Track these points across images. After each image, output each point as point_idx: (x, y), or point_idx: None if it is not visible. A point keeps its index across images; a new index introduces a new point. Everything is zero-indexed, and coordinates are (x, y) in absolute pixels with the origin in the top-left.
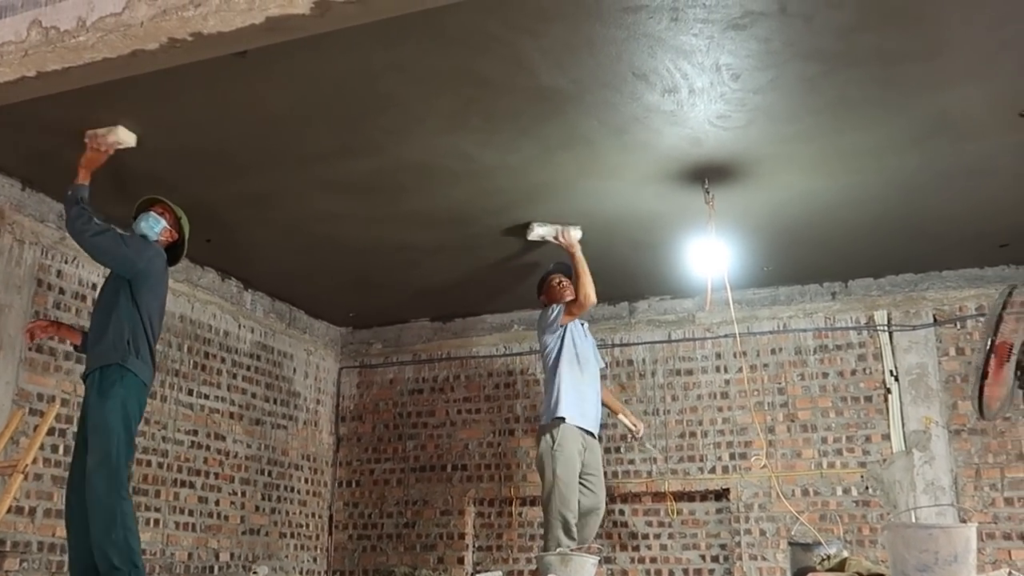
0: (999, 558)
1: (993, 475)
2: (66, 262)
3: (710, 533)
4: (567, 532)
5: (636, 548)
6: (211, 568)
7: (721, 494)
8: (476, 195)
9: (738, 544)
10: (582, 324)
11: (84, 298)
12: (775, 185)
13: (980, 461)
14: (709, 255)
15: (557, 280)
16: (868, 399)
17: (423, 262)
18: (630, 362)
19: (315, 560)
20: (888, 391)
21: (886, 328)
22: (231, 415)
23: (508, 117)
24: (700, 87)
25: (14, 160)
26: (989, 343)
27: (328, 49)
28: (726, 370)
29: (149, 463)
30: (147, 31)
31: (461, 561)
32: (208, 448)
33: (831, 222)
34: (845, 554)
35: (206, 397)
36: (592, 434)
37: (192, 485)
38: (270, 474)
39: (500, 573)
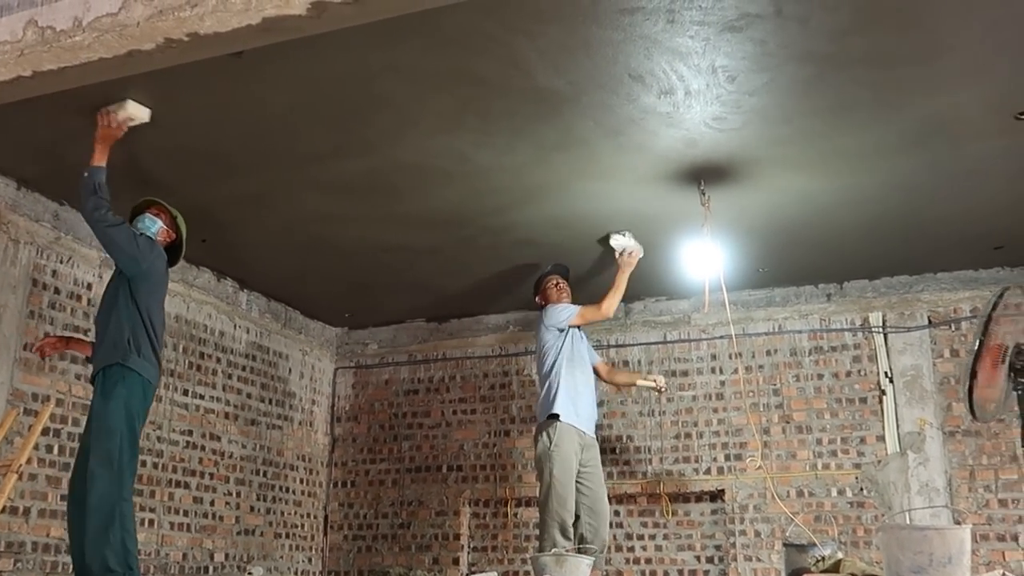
0: (993, 559)
1: (987, 477)
2: (61, 262)
3: (705, 534)
4: (563, 532)
5: (631, 549)
6: (206, 568)
7: (716, 495)
8: (472, 196)
9: (733, 545)
10: (578, 326)
11: (79, 298)
12: (770, 187)
13: (974, 463)
14: (705, 256)
15: (555, 282)
16: (863, 400)
17: (419, 263)
18: (626, 363)
19: (310, 561)
20: (883, 393)
21: (881, 330)
22: (226, 415)
23: (504, 118)
24: (696, 89)
25: (9, 159)
26: (978, 344)
27: (324, 50)
28: (721, 371)
29: (144, 463)
30: (143, 31)
31: (456, 562)
32: (203, 448)
33: (826, 224)
34: (840, 555)
35: (201, 397)
36: (588, 433)
37: (187, 485)
38: (265, 474)
39: (495, 574)
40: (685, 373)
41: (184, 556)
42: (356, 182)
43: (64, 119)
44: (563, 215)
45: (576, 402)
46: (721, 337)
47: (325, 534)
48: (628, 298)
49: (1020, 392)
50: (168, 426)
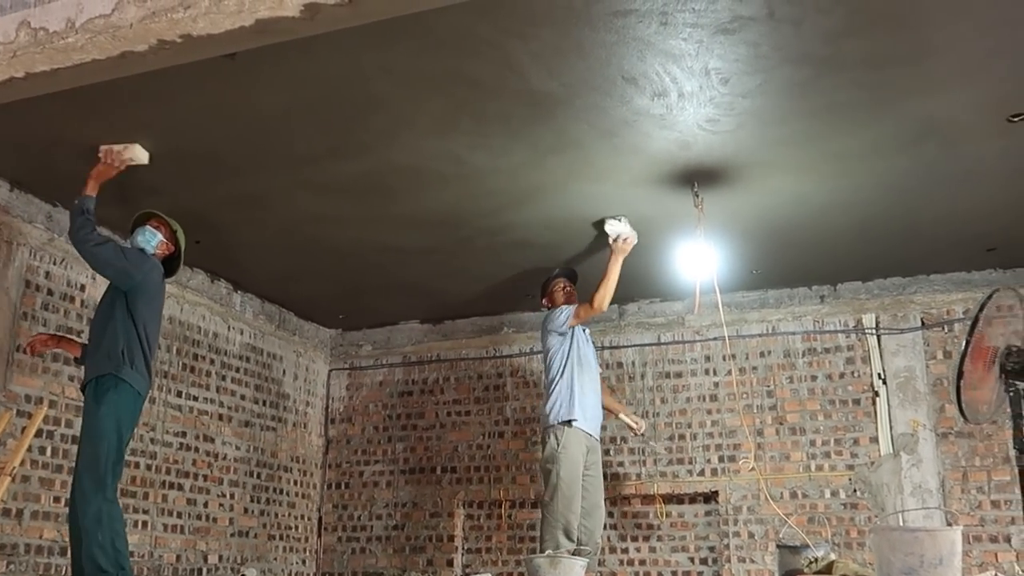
0: (986, 561)
1: (980, 478)
2: (54, 263)
3: (699, 535)
4: (567, 535)
5: (625, 550)
6: (199, 570)
7: (710, 496)
8: (466, 198)
9: (726, 546)
10: (584, 329)
11: (72, 299)
12: (764, 189)
13: (967, 464)
14: (698, 258)
15: (562, 285)
16: (856, 402)
17: (413, 264)
18: (619, 364)
19: (304, 562)
20: (876, 394)
21: (874, 331)
22: (220, 417)
23: (499, 120)
24: (689, 91)
25: (2, 161)
26: (964, 345)
27: (318, 51)
28: (715, 373)
29: (137, 465)
30: (136, 33)
31: (450, 563)
32: (197, 450)
33: (820, 225)
34: (833, 557)
35: (195, 399)
36: (594, 436)
37: (181, 487)
38: (259, 476)
39: (489, 575)
40: (679, 375)
41: (178, 558)
42: (350, 184)
43: (58, 120)
44: (558, 217)
45: (584, 405)
46: (715, 339)
47: (319, 536)
48: (622, 299)
49: (1012, 394)
50: (161, 428)
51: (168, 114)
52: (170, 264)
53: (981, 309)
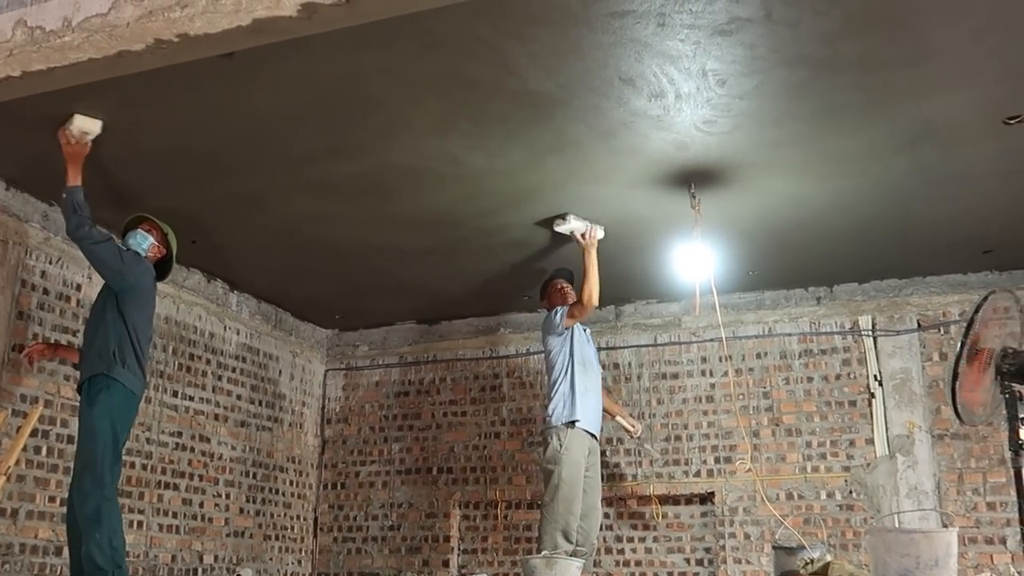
0: (981, 562)
1: (975, 479)
2: (50, 263)
3: (695, 537)
4: (566, 536)
5: (621, 551)
6: (195, 571)
7: (706, 498)
8: (464, 198)
9: (722, 548)
10: (584, 329)
11: (68, 299)
12: (761, 190)
13: (963, 465)
14: (695, 259)
15: (560, 285)
16: (852, 403)
17: (410, 264)
18: (616, 365)
19: (300, 563)
20: (872, 396)
21: (870, 333)
22: (216, 417)
23: (496, 121)
24: (687, 92)
25: None
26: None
27: (316, 51)
28: (711, 374)
29: (133, 465)
30: (133, 32)
31: (446, 564)
32: (193, 450)
33: (816, 227)
34: (828, 558)
35: (191, 399)
36: (595, 436)
37: (176, 487)
38: (255, 476)
39: None
40: (675, 376)
41: (173, 558)
42: (348, 184)
43: (54, 120)
44: (555, 217)
45: (586, 405)
46: (711, 340)
47: (315, 536)
48: (618, 300)
49: (1008, 396)
50: (157, 427)
51: (165, 114)
52: (161, 267)
53: (977, 311)
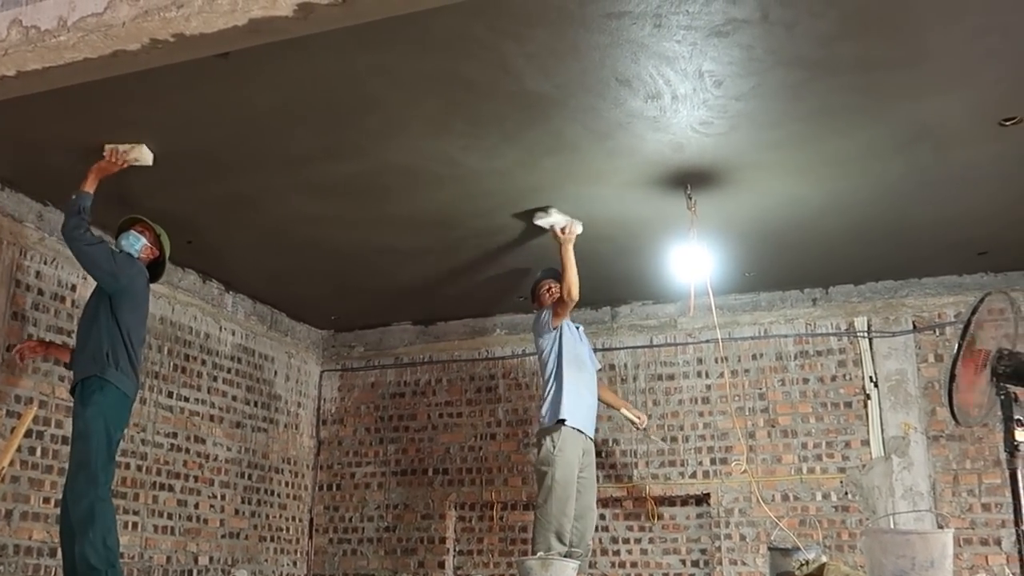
0: (976, 563)
1: (971, 481)
2: (45, 263)
3: (690, 538)
4: (559, 538)
5: (616, 553)
6: (190, 572)
7: (702, 499)
8: (460, 199)
9: (718, 549)
10: (577, 327)
11: (63, 299)
12: (757, 191)
13: (958, 467)
14: (691, 260)
15: (548, 285)
16: (848, 405)
17: (406, 265)
18: (612, 367)
19: (295, 564)
20: (868, 397)
21: (866, 334)
22: (211, 418)
23: (493, 121)
24: (683, 93)
25: None
26: (957, 348)
27: (312, 51)
28: (707, 375)
29: (128, 466)
30: (129, 31)
31: (442, 565)
32: (188, 451)
33: (812, 228)
34: (824, 559)
35: (186, 400)
36: (590, 437)
37: (171, 488)
38: (250, 477)
39: None
40: (671, 377)
41: (168, 559)
42: (343, 184)
43: (49, 119)
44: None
45: (578, 405)
46: (707, 341)
47: (310, 537)
48: (614, 302)
49: (1003, 397)
50: (152, 428)
51: (160, 114)
52: (154, 269)
53: (973, 313)
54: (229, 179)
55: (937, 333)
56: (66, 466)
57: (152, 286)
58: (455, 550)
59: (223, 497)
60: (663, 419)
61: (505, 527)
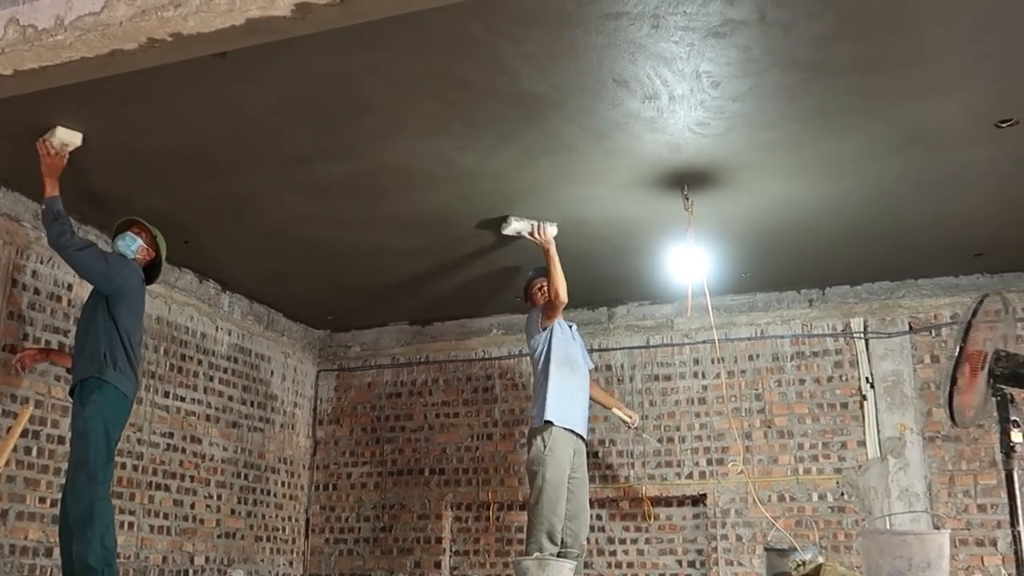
0: (972, 564)
1: (966, 482)
2: (41, 262)
3: (687, 538)
4: (551, 538)
5: (613, 553)
6: (186, 572)
7: (698, 499)
8: (456, 199)
9: (714, 549)
10: (570, 326)
11: (59, 299)
12: (754, 192)
13: (954, 468)
14: (688, 261)
15: (539, 285)
16: (844, 406)
17: (402, 265)
18: (608, 367)
19: (291, 564)
20: (864, 398)
21: (862, 335)
22: (207, 418)
23: (489, 122)
24: (680, 94)
25: None
26: (957, 351)
27: (308, 51)
28: (704, 376)
29: (124, 466)
30: (126, 31)
31: (438, 565)
32: (184, 451)
33: (809, 229)
34: (820, 559)
35: (182, 399)
36: (581, 437)
37: (167, 488)
38: (246, 477)
39: None
40: (667, 377)
41: (164, 559)
42: (340, 184)
43: (46, 119)
44: (548, 219)
45: (568, 405)
46: (704, 342)
47: (306, 537)
48: (611, 302)
49: (999, 398)
50: (148, 428)
51: (157, 113)
52: (151, 270)
53: (973, 315)
54: (225, 179)
55: (933, 334)
56: (62, 466)
57: (148, 286)
58: (451, 550)
59: (219, 497)
60: (659, 419)
61: (501, 527)
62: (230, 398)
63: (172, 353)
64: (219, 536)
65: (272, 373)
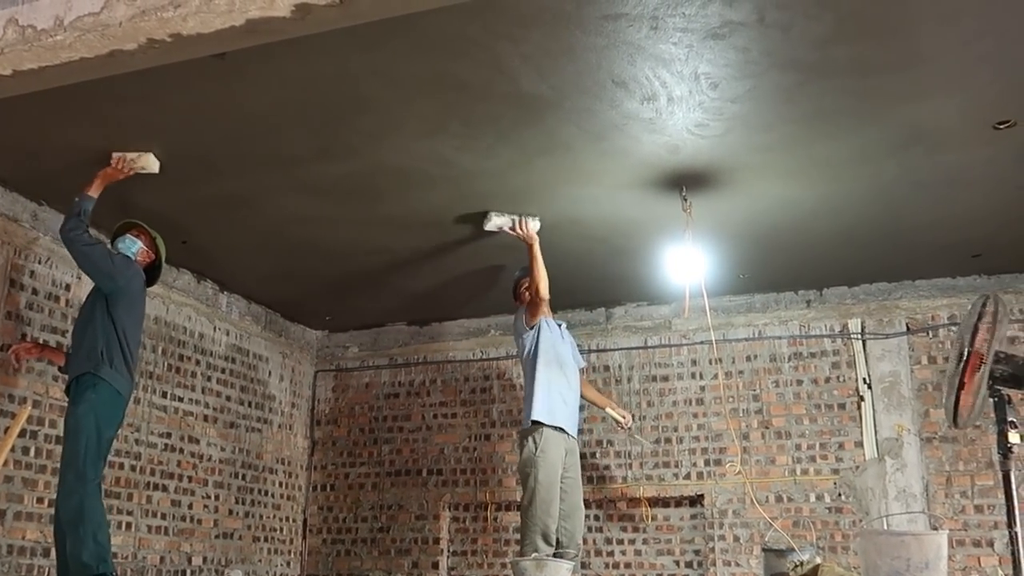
0: (969, 565)
1: (963, 482)
2: (39, 262)
3: (684, 539)
4: (545, 539)
5: (611, 554)
6: (183, 572)
7: (695, 500)
8: (454, 200)
9: (712, 550)
10: (559, 325)
11: (57, 299)
12: (752, 193)
13: (951, 468)
14: (686, 262)
15: (525, 284)
16: (842, 406)
17: (400, 266)
18: (606, 368)
19: (289, 564)
20: (861, 398)
21: (860, 336)
22: (205, 418)
23: (487, 122)
24: (679, 95)
25: None
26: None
27: (307, 52)
28: (701, 376)
29: (122, 466)
30: (125, 31)
31: (436, 566)
32: (182, 451)
33: (807, 231)
34: (818, 560)
35: (180, 400)
36: (572, 436)
37: (165, 488)
38: (244, 477)
39: None
40: (665, 378)
41: (161, 559)
42: (338, 185)
43: (45, 119)
44: (546, 219)
45: (558, 405)
46: (701, 342)
47: (304, 538)
48: (609, 303)
49: (996, 399)
50: (146, 428)
51: (156, 113)
52: (150, 273)
53: (980, 318)
54: (224, 179)
55: (931, 335)
56: (59, 466)
57: (147, 288)
58: (449, 551)
59: (217, 497)
60: (657, 420)
61: (499, 528)
62: (228, 398)
63: (170, 353)
64: (217, 536)
65: (270, 373)
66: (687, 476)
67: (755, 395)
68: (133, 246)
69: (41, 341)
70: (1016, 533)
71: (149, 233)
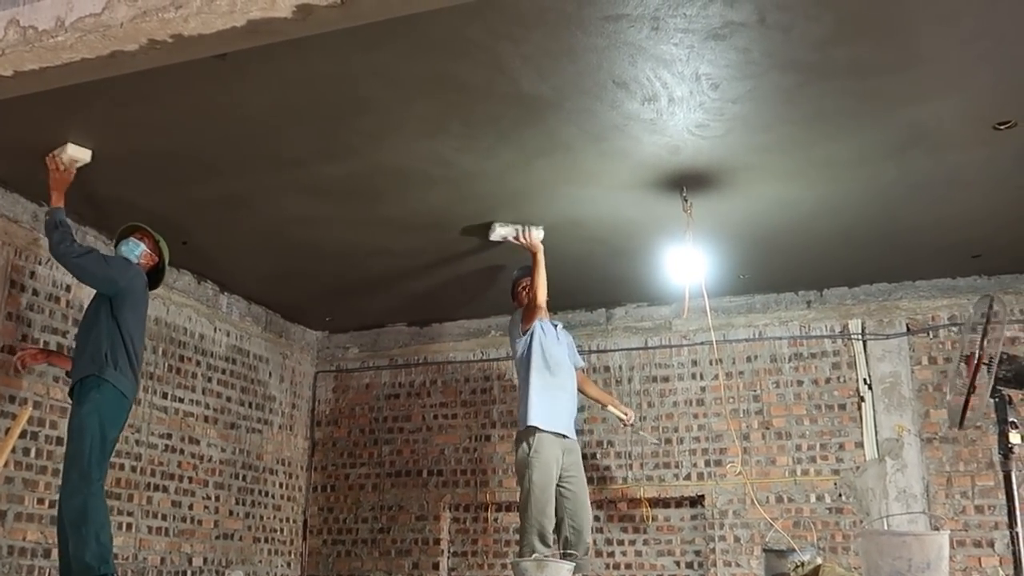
0: (969, 565)
1: (964, 483)
2: (40, 263)
3: (685, 539)
4: (543, 539)
5: (611, 554)
6: (184, 573)
7: (696, 500)
8: (454, 200)
9: (712, 550)
10: (554, 326)
11: (58, 300)
12: (752, 194)
13: (951, 469)
14: (686, 262)
15: (523, 284)
16: (842, 407)
17: (400, 267)
18: (607, 368)
19: (289, 565)
20: (862, 399)
21: (860, 337)
22: (206, 419)
23: (487, 123)
24: (680, 96)
25: None
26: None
27: (308, 52)
28: (702, 377)
29: (122, 467)
30: (127, 32)
31: (436, 567)
32: (182, 452)
33: (807, 231)
34: (819, 560)
35: (180, 400)
36: (568, 437)
37: (165, 489)
38: (244, 478)
39: None
40: (666, 379)
41: (162, 560)
42: (338, 185)
43: (46, 120)
44: (546, 220)
45: (552, 407)
46: (702, 343)
47: (304, 539)
48: (609, 303)
49: (997, 399)
50: (147, 429)
51: (157, 114)
52: (154, 276)
53: (988, 321)
54: (224, 180)
55: (931, 336)
56: (61, 467)
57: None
58: (449, 551)
59: (217, 498)
60: (657, 421)
61: (500, 528)
62: (228, 399)
63: (170, 354)
64: (217, 537)
65: (270, 374)
66: (687, 477)
67: (755, 396)
68: (136, 249)
69: (43, 344)
70: (1017, 533)
71: (153, 236)
